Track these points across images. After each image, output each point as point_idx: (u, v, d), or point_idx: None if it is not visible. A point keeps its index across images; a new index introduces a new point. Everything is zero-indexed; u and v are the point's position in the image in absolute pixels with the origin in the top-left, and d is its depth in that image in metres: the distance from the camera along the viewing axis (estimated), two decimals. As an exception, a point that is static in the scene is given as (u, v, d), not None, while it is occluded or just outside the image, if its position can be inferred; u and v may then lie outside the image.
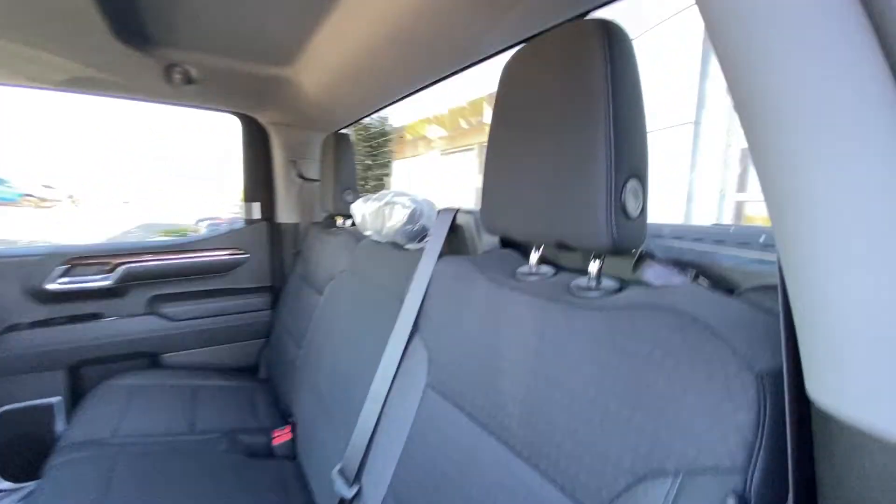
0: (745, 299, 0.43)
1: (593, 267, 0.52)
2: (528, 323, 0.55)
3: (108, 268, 1.48)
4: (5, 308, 1.36)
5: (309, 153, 1.70)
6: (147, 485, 0.93)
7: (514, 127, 0.56)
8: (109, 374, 1.45)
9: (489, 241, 0.80)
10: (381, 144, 8.17)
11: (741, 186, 4.45)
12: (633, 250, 0.55)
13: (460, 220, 0.81)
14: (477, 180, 9.29)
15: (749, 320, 0.38)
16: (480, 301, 0.64)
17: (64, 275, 1.42)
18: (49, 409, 1.41)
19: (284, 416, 1.32)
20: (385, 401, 0.76)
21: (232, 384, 1.50)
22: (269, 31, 0.99)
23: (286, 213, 1.73)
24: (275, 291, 1.75)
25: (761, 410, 0.32)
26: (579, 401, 0.45)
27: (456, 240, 0.83)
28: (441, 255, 0.79)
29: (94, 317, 1.48)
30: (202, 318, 1.61)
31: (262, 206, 1.73)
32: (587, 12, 0.67)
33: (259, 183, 1.72)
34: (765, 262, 0.48)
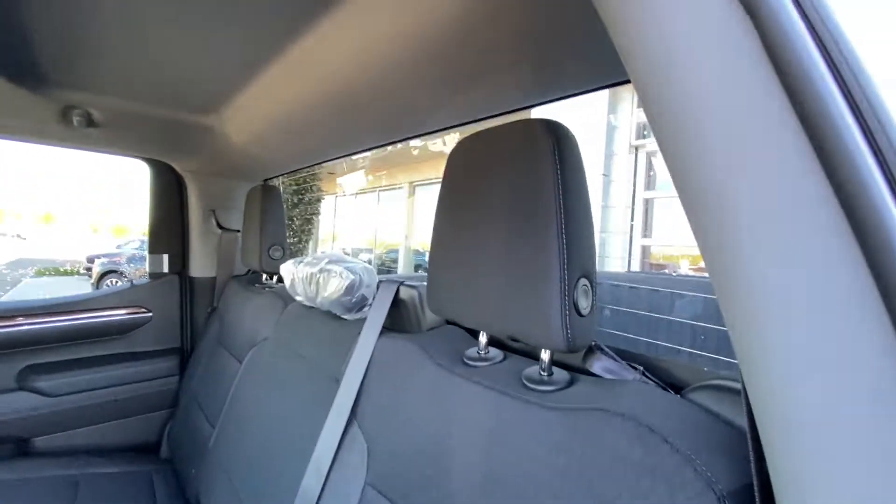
0: (696, 401, 0.44)
1: (545, 356, 0.52)
2: (479, 417, 0.52)
3: None
4: None
5: (231, 202, 1.58)
6: None
7: (461, 213, 0.56)
8: None
9: (434, 317, 0.77)
10: (307, 182, 7.92)
11: (645, 232, 4.96)
12: None
13: (403, 294, 0.78)
14: (405, 223, 9.35)
15: (705, 429, 0.40)
16: (425, 387, 0.61)
17: None
18: None
19: (189, 508, 1.13)
20: (318, 501, 0.68)
21: (124, 470, 1.27)
22: (191, 79, 0.91)
23: (201, 267, 1.57)
24: (183, 354, 1.55)
25: None
26: None
27: (398, 313, 0.79)
28: (383, 331, 0.75)
29: None
30: (89, 390, 1.36)
31: (170, 259, 1.55)
32: (532, 106, 0.71)
33: (170, 233, 1.55)
34: (714, 359, 0.51)
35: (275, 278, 1.37)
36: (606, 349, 0.54)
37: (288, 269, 1.02)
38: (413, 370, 0.65)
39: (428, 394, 0.60)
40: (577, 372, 0.54)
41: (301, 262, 1.00)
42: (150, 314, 1.50)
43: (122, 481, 1.22)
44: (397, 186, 9.58)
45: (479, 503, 0.48)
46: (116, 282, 8.23)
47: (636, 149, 5.03)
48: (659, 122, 0.28)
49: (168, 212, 1.54)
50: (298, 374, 0.90)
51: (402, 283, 0.80)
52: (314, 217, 8.54)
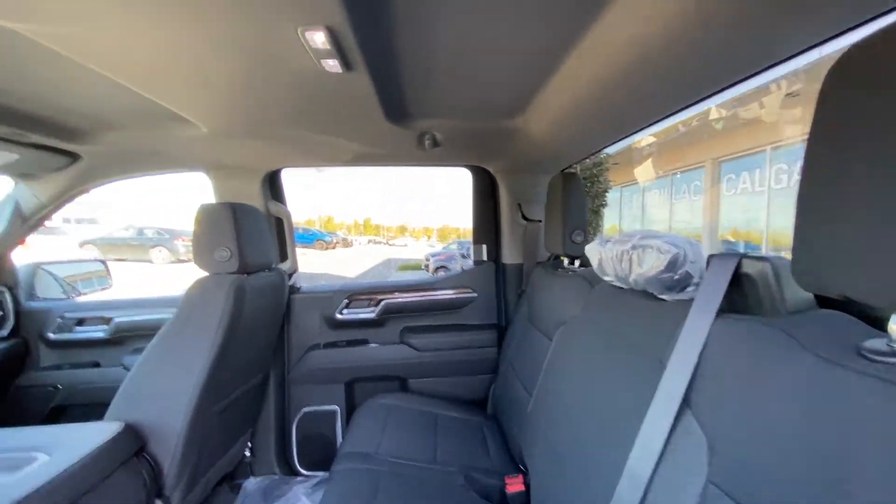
0: None
1: None
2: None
3: (373, 302, 1.80)
4: (311, 332, 1.80)
5: (533, 195, 1.74)
6: None
7: (849, 146, 0.40)
8: (371, 392, 1.73)
9: (796, 298, 0.60)
10: (594, 175, 7.86)
11: None
12: None
13: (748, 268, 0.64)
14: (706, 208, 7.92)
15: None
16: (801, 384, 0.47)
17: (346, 307, 1.80)
18: (333, 414, 1.78)
19: (514, 462, 1.30)
20: (648, 485, 0.64)
21: (465, 416, 1.59)
22: (504, 89, 1.06)
23: (511, 254, 1.79)
24: (500, 329, 1.81)
25: None
26: None
27: (740, 292, 0.65)
28: (719, 313, 0.63)
29: (363, 342, 1.81)
30: (439, 350, 1.78)
31: (488, 248, 1.84)
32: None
33: (486, 226, 1.85)
34: None
35: (576, 262, 1.40)
36: None
37: (594, 250, 1.01)
38: (774, 361, 0.51)
39: (805, 392, 0.46)
40: None
41: (608, 240, 0.98)
42: (475, 294, 1.82)
43: (463, 425, 1.53)
44: (693, 167, 8.27)
45: None
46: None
47: None
48: None
49: (485, 208, 1.83)
50: (615, 354, 0.88)
51: (744, 256, 0.65)
52: (601, 209, 8.37)
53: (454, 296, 1.83)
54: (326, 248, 21.43)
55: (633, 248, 0.85)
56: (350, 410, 1.80)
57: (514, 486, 1.15)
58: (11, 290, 1.69)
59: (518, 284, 1.77)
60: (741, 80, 0.83)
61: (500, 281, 1.83)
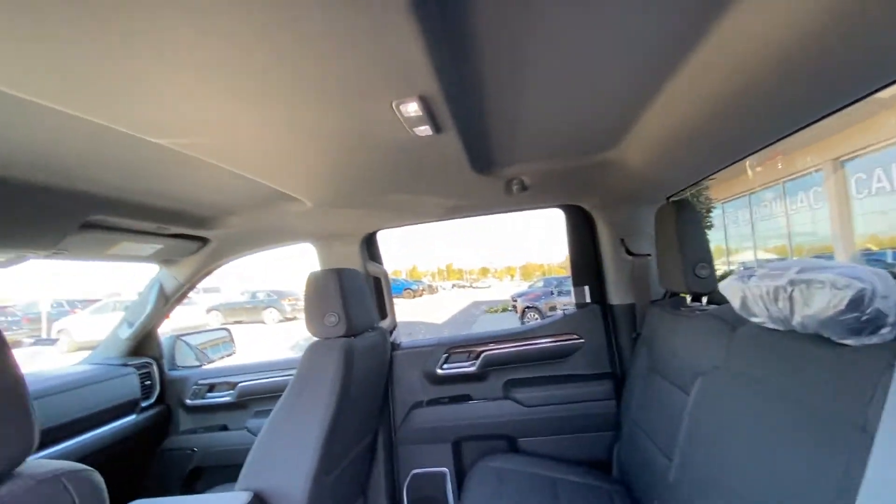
0: None
1: None
2: None
3: (473, 355, 1.75)
4: (414, 388, 1.78)
5: (637, 228, 1.59)
6: None
7: None
8: (480, 451, 1.64)
9: None
10: (693, 196, 7.25)
11: None
12: None
13: None
14: (832, 215, 6.81)
15: None
16: None
17: (445, 361, 1.76)
18: (442, 476, 1.70)
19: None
20: None
21: (587, 481, 1.41)
22: (597, 123, 1.01)
23: (618, 294, 1.64)
24: (616, 379, 1.63)
25: None
26: None
27: None
28: None
29: (466, 398, 1.74)
30: (549, 405, 1.64)
31: (591, 289, 1.71)
32: None
33: (586, 266, 1.72)
34: None
35: (703, 300, 1.23)
36: None
37: (733, 287, 0.87)
38: None
39: None
40: None
41: (749, 276, 0.83)
42: (582, 340, 1.68)
43: (586, 490, 1.36)
44: (804, 173, 7.25)
45: None
46: (535, 316, 10.10)
47: None
48: None
49: (583, 247, 1.72)
50: (784, 416, 0.72)
51: None
52: (706, 230, 7.61)
53: (559, 343, 1.70)
54: (414, 296, 22.11)
55: (792, 283, 0.71)
56: (459, 472, 1.71)
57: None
58: (158, 361, 1.93)
59: (631, 327, 1.60)
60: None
61: (610, 324, 1.67)
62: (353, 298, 1.32)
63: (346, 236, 1.80)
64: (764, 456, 0.74)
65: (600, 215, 1.65)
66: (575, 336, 1.69)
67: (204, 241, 1.66)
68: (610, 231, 1.63)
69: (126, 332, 1.83)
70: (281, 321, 13.60)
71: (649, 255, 1.53)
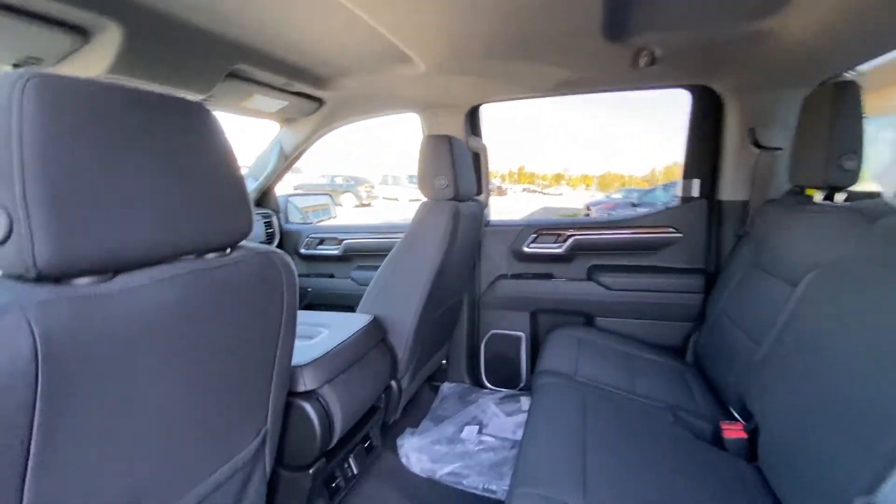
0: None
1: None
2: None
3: (561, 238, 1.80)
4: (499, 263, 1.90)
5: (772, 117, 1.43)
6: (612, 428, 1.05)
7: None
8: (555, 324, 1.78)
9: None
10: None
11: None
12: None
13: None
14: None
15: None
16: None
17: (533, 241, 1.84)
18: (518, 339, 1.89)
19: (725, 410, 1.20)
20: None
21: (660, 360, 1.51)
22: None
23: (732, 190, 1.54)
24: (707, 274, 1.62)
25: None
26: None
27: None
28: None
29: (548, 276, 1.85)
30: (633, 290, 1.70)
31: (702, 183, 1.62)
32: None
33: (702, 157, 1.61)
34: None
35: (838, 197, 1.13)
36: None
37: (892, 174, 0.80)
38: None
39: None
40: None
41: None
42: (680, 235, 1.65)
43: (661, 367, 1.46)
44: None
45: None
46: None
47: None
48: None
49: (703, 136, 1.60)
50: None
51: None
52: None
53: (654, 235, 1.69)
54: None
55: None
56: (534, 338, 1.88)
57: (733, 432, 1.06)
58: (276, 214, 2.21)
59: (737, 225, 1.53)
60: None
61: (714, 221, 1.61)
62: (461, 167, 1.39)
63: (452, 107, 1.81)
64: (867, 363, 0.71)
65: (732, 99, 1.49)
66: (672, 230, 1.67)
67: (320, 102, 1.75)
68: (740, 119, 1.48)
69: (251, 185, 2.08)
70: (357, 206, 14.43)
71: (780, 148, 1.39)
